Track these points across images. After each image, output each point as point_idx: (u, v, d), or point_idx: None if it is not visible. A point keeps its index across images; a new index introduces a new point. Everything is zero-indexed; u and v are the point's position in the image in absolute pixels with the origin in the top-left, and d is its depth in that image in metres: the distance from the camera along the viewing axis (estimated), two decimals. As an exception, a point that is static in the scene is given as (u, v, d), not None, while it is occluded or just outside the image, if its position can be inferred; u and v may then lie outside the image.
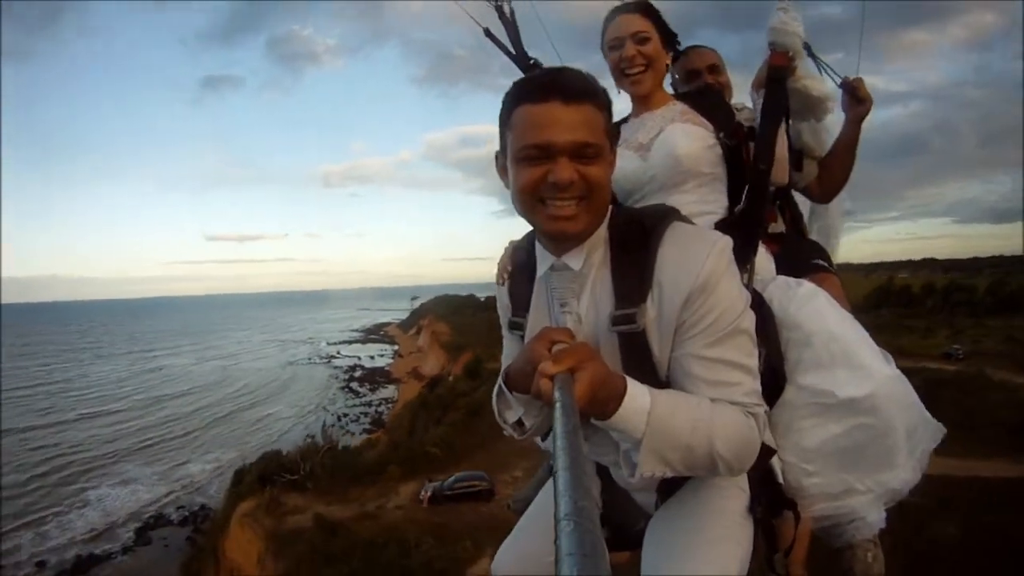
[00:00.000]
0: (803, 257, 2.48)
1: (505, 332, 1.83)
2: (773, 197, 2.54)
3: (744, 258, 1.94)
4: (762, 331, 1.59)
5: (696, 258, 1.39)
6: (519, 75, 2.28)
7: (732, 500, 1.62)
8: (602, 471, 1.83)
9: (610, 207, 1.55)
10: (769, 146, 2.19)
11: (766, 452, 1.63)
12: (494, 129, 1.52)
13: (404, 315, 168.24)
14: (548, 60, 2.66)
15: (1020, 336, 43.19)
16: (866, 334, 2.02)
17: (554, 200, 1.39)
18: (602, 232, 1.52)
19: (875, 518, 1.94)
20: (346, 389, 75.63)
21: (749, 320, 1.46)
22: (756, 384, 1.44)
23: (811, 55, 2.55)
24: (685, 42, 2.56)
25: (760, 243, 2.24)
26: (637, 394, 1.29)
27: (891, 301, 66.70)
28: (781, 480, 1.85)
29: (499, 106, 1.47)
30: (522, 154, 1.40)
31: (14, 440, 56.91)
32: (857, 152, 2.61)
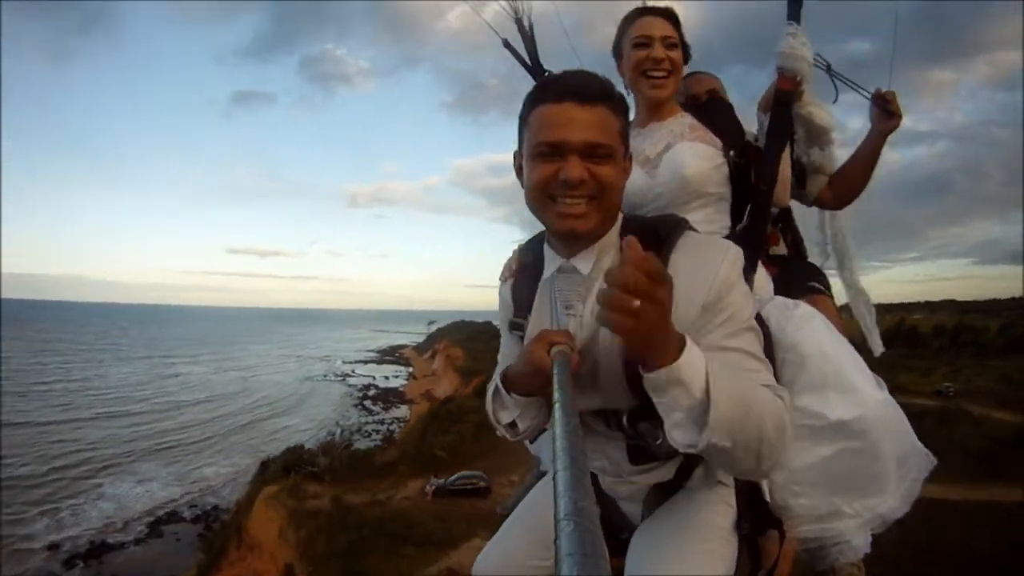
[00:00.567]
0: (800, 279, 2.45)
1: (504, 332, 1.83)
2: (775, 219, 2.58)
3: (744, 277, 1.71)
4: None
5: (710, 265, 1.41)
6: None
7: (718, 515, 1.62)
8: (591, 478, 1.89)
9: (622, 214, 1.58)
10: (772, 168, 2.22)
11: None
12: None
13: (420, 338, 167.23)
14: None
15: (1015, 375, 43.62)
16: (859, 358, 2.01)
17: (564, 198, 1.42)
18: (613, 237, 1.53)
19: (860, 542, 1.92)
20: (359, 407, 75.78)
21: (756, 325, 1.47)
22: (772, 376, 1.42)
23: (831, 74, 2.55)
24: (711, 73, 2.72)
25: (760, 265, 2.27)
26: (694, 348, 1.22)
27: (899, 341, 66.23)
28: (768, 498, 1.83)
29: None
30: (536, 151, 1.43)
31: (32, 432, 57.93)
32: (876, 165, 2.60)
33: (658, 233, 1.49)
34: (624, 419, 1.54)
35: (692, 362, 1.19)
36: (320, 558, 22.87)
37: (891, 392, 2.01)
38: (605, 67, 2.37)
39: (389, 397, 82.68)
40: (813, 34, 2.39)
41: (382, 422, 66.09)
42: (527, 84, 2.47)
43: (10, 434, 56.13)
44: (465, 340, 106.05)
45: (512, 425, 1.62)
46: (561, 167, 1.39)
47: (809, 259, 2.78)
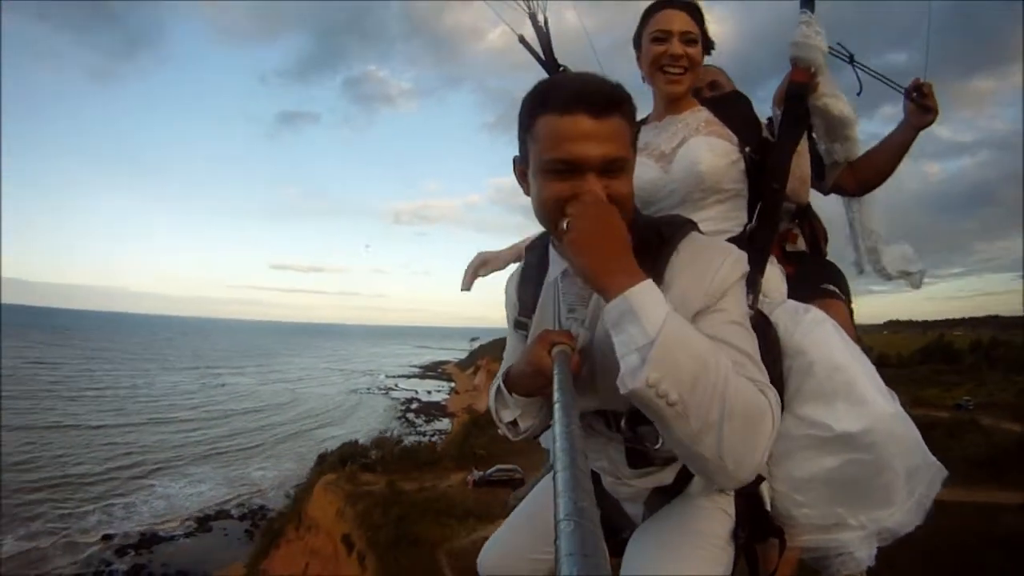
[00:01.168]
0: (814, 280, 2.35)
1: (510, 330, 1.82)
2: (793, 215, 2.50)
3: (751, 279, 1.77)
4: (765, 356, 1.45)
5: (709, 269, 1.37)
6: None
7: (715, 523, 1.60)
8: (592, 477, 1.70)
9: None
10: (784, 165, 2.14)
11: (756, 478, 1.55)
12: None
13: (462, 355, 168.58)
14: (586, 67, 2.45)
15: None
16: (872, 368, 1.93)
17: None
18: None
19: (864, 554, 1.87)
20: (402, 419, 76.61)
21: (751, 332, 1.41)
22: (763, 375, 1.33)
23: (855, 65, 2.42)
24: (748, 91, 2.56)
25: (775, 264, 2.21)
26: (654, 288, 1.21)
27: (936, 357, 66.18)
28: (769, 507, 1.80)
29: None
30: (548, 167, 1.35)
31: (86, 434, 60.15)
32: (904, 157, 2.50)
33: (661, 234, 1.47)
34: (623, 421, 1.50)
35: (650, 297, 1.19)
36: (375, 526, 27.99)
37: (912, 404, 2.04)
38: (621, 64, 2.38)
39: (431, 410, 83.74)
40: (848, 45, 2.39)
41: (424, 434, 66.91)
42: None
43: (64, 435, 58.49)
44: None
45: (514, 424, 1.60)
46: (577, 186, 1.33)
47: (829, 257, 2.65)
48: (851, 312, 2.33)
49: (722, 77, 2.70)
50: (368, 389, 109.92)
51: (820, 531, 1.86)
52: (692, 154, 2.12)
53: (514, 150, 1.48)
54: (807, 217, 2.56)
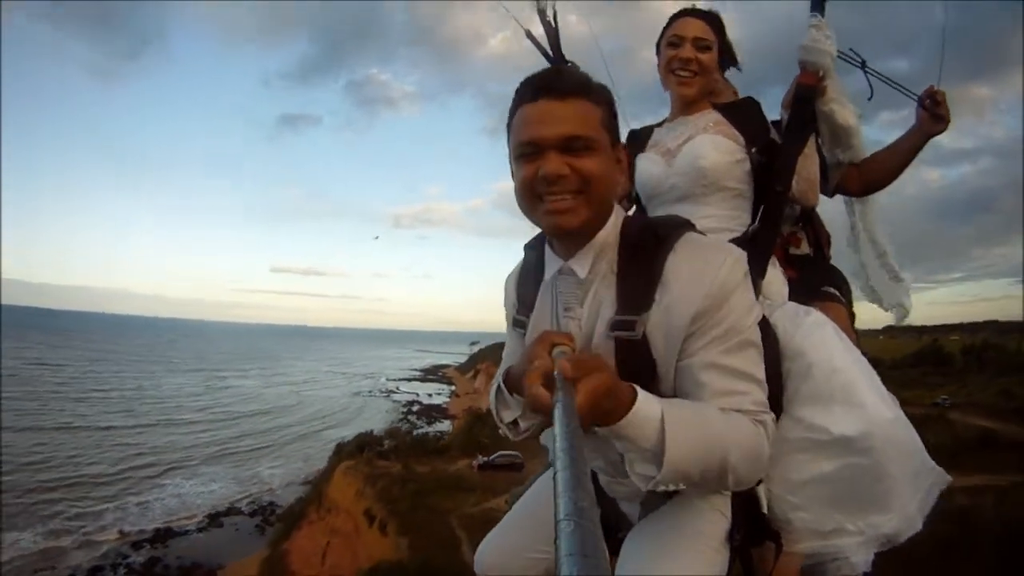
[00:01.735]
0: (817, 283, 2.33)
1: (508, 328, 1.82)
2: (797, 218, 2.46)
3: (752, 281, 1.56)
4: (764, 358, 1.45)
5: (709, 269, 1.36)
6: None
7: (711, 524, 1.56)
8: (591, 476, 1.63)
9: (624, 215, 1.54)
10: (789, 167, 2.13)
11: None
12: None
13: (462, 359, 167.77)
14: (592, 66, 2.16)
15: (1015, 390, 42.90)
16: (872, 371, 1.93)
17: (548, 195, 1.38)
18: (611, 238, 1.48)
19: (860, 560, 1.84)
20: (404, 421, 76.99)
21: (758, 333, 1.42)
22: (764, 394, 1.39)
23: (866, 71, 2.42)
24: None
25: (777, 266, 2.20)
26: (647, 403, 1.23)
27: (928, 361, 66.60)
28: (765, 510, 1.76)
29: None
30: (516, 152, 1.41)
31: (97, 435, 60.59)
32: (911, 163, 2.48)
33: (657, 234, 1.45)
34: None
35: (643, 415, 1.21)
36: (394, 498, 31.84)
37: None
38: (628, 68, 2.29)
39: (432, 413, 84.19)
40: (852, 50, 2.37)
41: (426, 435, 67.31)
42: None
43: (75, 436, 59.18)
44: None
45: (514, 424, 1.60)
46: (540, 165, 1.36)
47: (833, 261, 2.59)
48: (852, 316, 2.33)
49: (728, 92, 2.60)
50: (370, 392, 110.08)
51: (818, 537, 1.84)
52: (696, 150, 2.16)
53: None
54: (811, 220, 2.54)
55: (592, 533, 0.63)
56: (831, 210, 2.66)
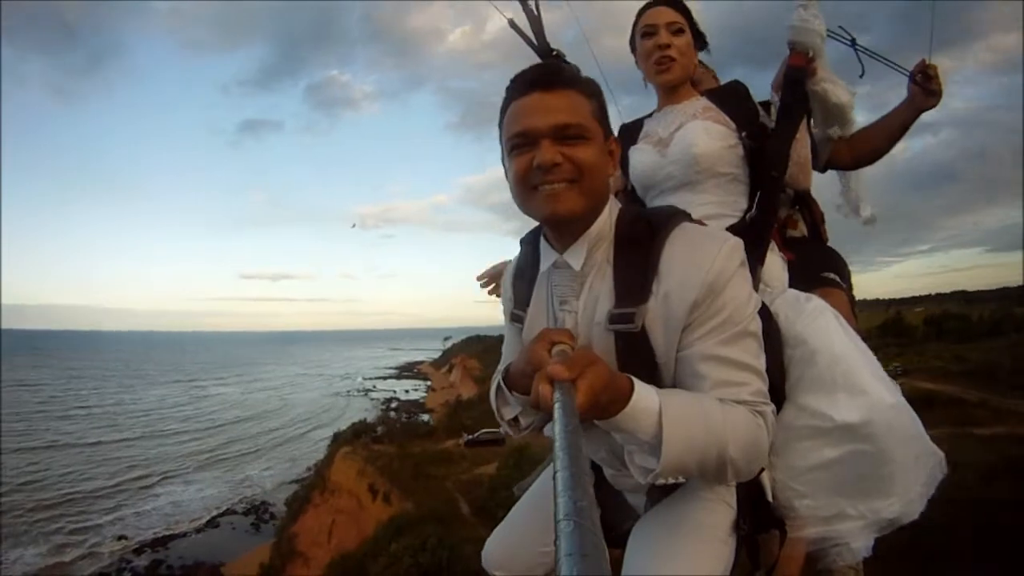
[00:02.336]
0: (815, 268, 2.27)
1: (506, 323, 1.80)
2: (792, 200, 2.45)
3: (751, 269, 1.53)
4: (766, 346, 1.44)
5: (705, 258, 1.34)
6: None
7: (717, 515, 1.55)
8: (594, 468, 1.73)
9: (619, 207, 1.51)
10: (783, 151, 2.14)
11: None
12: None
13: (436, 354, 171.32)
14: (579, 55, 2.43)
15: (969, 356, 45.66)
16: (872, 357, 1.92)
17: (543, 184, 1.36)
18: (606, 230, 1.46)
19: (861, 545, 1.85)
20: (385, 417, 78.51)
21: (757, 323, 1.40)
22: (763, 385, 1.37)
23: (856, 48, 2.39)
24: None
25: (776, 251, 2.22)
26: (644, 395, 1.21)
27: (891, 332, 67.28)
28: (770, 498, 1.74)
29: None
30: (510, 145, 1.40)
31: (87, 451, 62.34)
32: (903, 138, 2.45)
33: (651, 225, 1.43)
34: None
35: (641, 407, 1.20)
36: (395, 471, 36.20)
37: None
38: (616, 58, 2.45)
39: (411, 408, 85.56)
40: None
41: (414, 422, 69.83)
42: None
43: (65, 454, 60.72)
44: (481, 352, 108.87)
45: (515, 421, 1.57)
46: (535, 155, 1.35)
47: (829, 242, 2.54)
48: (852, 301, 2.25)
49: (708, 77, 2.62)
50: (348, 392, 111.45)
51: (822, 523, 1.84)
52: (688, 137, 2.15)
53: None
54: (805, 201, 2.48)
55: (591, 533, 0.63)
56: (824, 190, 2.61)
